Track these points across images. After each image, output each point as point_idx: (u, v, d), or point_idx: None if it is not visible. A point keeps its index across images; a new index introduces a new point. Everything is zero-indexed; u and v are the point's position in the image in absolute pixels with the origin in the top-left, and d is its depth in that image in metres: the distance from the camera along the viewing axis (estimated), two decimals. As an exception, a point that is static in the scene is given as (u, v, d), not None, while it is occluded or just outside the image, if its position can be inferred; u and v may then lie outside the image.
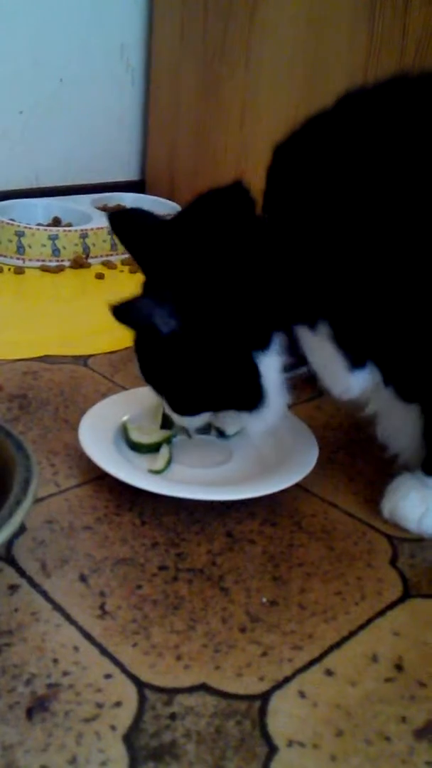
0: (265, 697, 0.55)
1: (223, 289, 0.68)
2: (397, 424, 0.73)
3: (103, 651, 0.57)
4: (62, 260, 1.51)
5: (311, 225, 0.65)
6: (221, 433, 0.86)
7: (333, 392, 0.72)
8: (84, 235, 1.53)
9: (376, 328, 0.65)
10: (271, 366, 0.70)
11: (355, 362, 0.68)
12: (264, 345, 0.69)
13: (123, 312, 0.67)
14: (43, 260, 1.49)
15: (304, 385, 0.76)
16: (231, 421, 0.82)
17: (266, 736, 0.52)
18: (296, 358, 0.72)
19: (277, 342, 0.70)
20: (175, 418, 0.79)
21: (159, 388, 0.77)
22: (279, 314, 0.69)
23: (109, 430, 0.83)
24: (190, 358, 0.70)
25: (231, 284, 0.68)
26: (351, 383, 0.70)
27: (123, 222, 0.76)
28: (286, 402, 0.74)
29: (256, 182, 0.71)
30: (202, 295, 0.68)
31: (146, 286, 0.73)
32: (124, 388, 0.97)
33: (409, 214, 0.62)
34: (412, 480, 0.74)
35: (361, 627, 0.62)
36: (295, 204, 0.67)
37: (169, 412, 0.79)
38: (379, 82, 0.67)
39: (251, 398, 0.71)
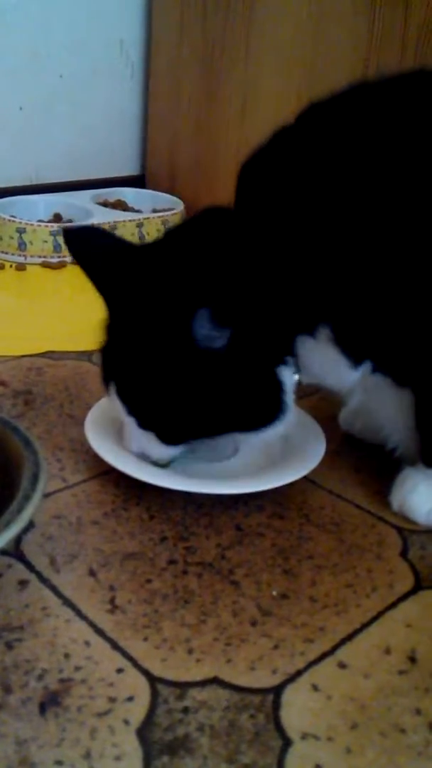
0: (278, 690, 0.54)
1: (249, 298, 0.66)
2: (388, 415, 0.73)
3: (115, 645, 0.57)
4: (64, 256, 1.50)
5: (295, 237, 0.65)
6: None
7: (333, 390, 0.73)
8: (85, 231, 1.52)
9: (376, 324, 0.65)
10: (289, 380, 0.70)
11: (357, 360, 0.68)
12: (284, 356, 0.69)
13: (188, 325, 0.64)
14: (45, 257, 1.49)
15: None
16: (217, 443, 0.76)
17: (280, 729, 0.51)
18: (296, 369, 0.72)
19: (293, 354, 0.70)
20: (153, 452, 0.74)
21: (153, 418, 0.71)
22: (291, 321, 0.68)
23: (115, 425, 0.83)
24: (224, 374, 0.67)
25: (253, 294, 0.66)
26: (351, 379, 0.70)
27: (82, 240, 0.73)
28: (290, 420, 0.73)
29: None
30: (237, 305, 0.66)
31: (124, 312, 0.70)
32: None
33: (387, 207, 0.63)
34: (419, 473, 0.73)
35: (373, 619, 0.62)
36: (276, 219, 0.67)
37: (139, 447, 0.74)
38: (338, 92, 0.68)
39: (271, 414, 0.70)
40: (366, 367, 0.69)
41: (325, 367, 0.70)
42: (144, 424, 0.72)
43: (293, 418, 0.72)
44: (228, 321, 0.65)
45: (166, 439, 0.72)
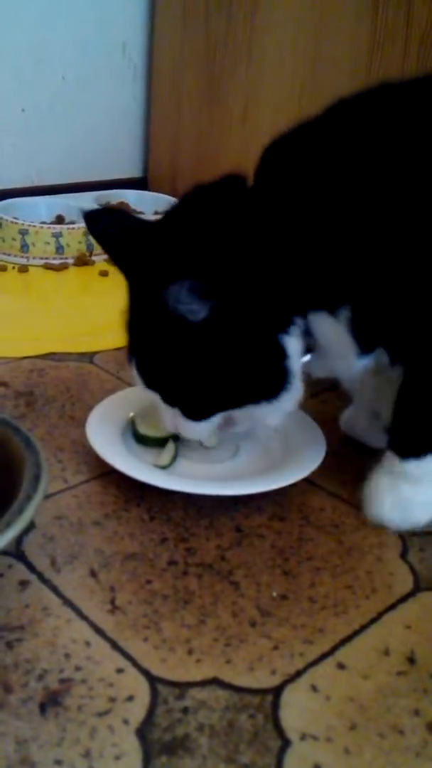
0: (277, 690, 0.55)
1: (249, 270, 0.66)
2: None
3: (115, 645, 0.57)
4: (66, 258, 1.51)
5: (319, 218, 0.65)
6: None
7: (339, 376, 0.73)
8: (88, 233, 1.52)
9: (397, 310, 0.66)
10: (293, 347, 0.69)
11: (367, 349, 0.69)
12: (287, 324, 0.68)
13: (161, 298, 0.65)
14: (47, 258, 1.49)
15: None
16: (244, 420, 0.77)
17: (279, 730, 0.51)
18: (306, 344, 0.71)
19: (298, 324, 0.69)
20: (184, 429, 0.75)
21: (170, 390, 0.72)
22: (298, 296, 0.68)
23: (116, 427, 0.83)
24: (220, 345, 0.67)
25: (254, 265, 0.66)
26: (356, 368, 0.71)
27: (103, 222, 0.73)
28: (302, 389, 0.71)
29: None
30: (232, 277, 0.66)
31: (137, 287, 0.71)
32: (130, 385, 0.96)
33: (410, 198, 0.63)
34: (385, 477, 0.73)
35: (372, 621, 0.62)
36: (300, 197, 0.67)
37: (171, 424, 0.75)
38: (366, 89, 0.69)
39: (277, 381, 0.69)
40: (376, 358, 0.69)
41: (337, 349, 0.70)
42: (165, 398, 0.73)
43: (299, 394, 0.71)
44: (212, 294, 0.65)
45: (189, 413, 0.72)
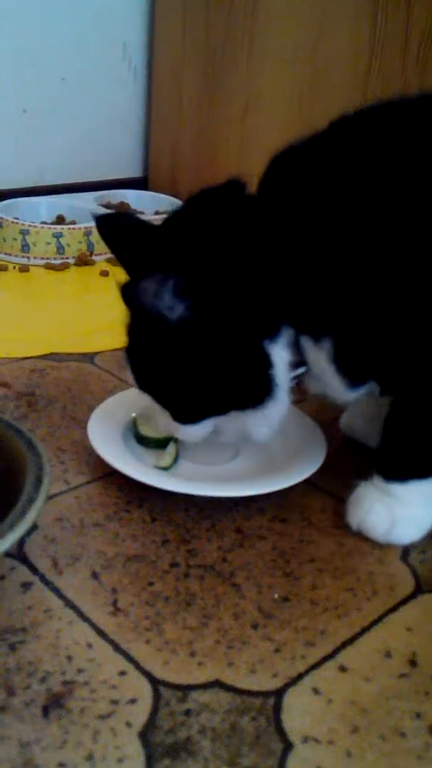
0: (279, 693, 0.55)
1: (232, 272, 0.66)
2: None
3: (117, 648, 0.57)
4: (67, 258, 1.51)
5: (315, 239, 0.65)
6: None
7: (330, 397, 0.73)
8: (88, 233, 1.53)
9: (382, 348, 0.65)
10: (280, 357, 0.68)
11: (355, 382, 0.68)
12: (273, 333, 0.67)
13: (131, 292, 0.65)
14: (48, 258, 1.50)
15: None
16: (233, 430, 0.76)
17: (281, 733, 0.52)
18: (299, 357, 0.70)
19: (286, 335, 0.68)
20: (177, 431, 0.75)
21: (159, 392, 0.73)
22: (286, 307, 0.67)
23: (118, 427, 0.83)
24: (199, 347, 0.67)
25: (239, 269, 0.66)
26: (349, 396, 0.71)
27: (111, 225, 0.74)
28: (289, 401, 0.71)
29: (258, 178, 0.71)
30: (211, 277, 0.65)
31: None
32: (132, 386, 0.97)
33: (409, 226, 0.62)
34: (375, 491, 0.72)
35: (374, 623, 0.62)
36: (299, 214, 0.66)
37: (165, 426, 0.75)
38: (369, 105, 0.69)
39: (260, 390, 0.68)
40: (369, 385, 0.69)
41: (323, 376, 0.70)
42: (156, 400, 0.73)
43: (285, 405, 0.70)
44: (189, 291, 0.64)
45: (176, 416, 0.72)
